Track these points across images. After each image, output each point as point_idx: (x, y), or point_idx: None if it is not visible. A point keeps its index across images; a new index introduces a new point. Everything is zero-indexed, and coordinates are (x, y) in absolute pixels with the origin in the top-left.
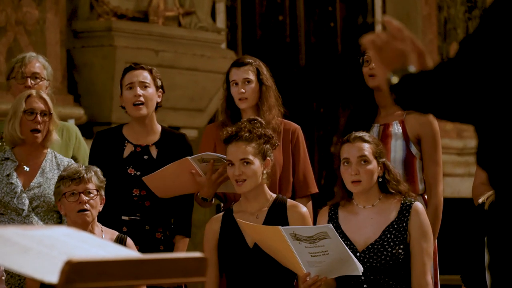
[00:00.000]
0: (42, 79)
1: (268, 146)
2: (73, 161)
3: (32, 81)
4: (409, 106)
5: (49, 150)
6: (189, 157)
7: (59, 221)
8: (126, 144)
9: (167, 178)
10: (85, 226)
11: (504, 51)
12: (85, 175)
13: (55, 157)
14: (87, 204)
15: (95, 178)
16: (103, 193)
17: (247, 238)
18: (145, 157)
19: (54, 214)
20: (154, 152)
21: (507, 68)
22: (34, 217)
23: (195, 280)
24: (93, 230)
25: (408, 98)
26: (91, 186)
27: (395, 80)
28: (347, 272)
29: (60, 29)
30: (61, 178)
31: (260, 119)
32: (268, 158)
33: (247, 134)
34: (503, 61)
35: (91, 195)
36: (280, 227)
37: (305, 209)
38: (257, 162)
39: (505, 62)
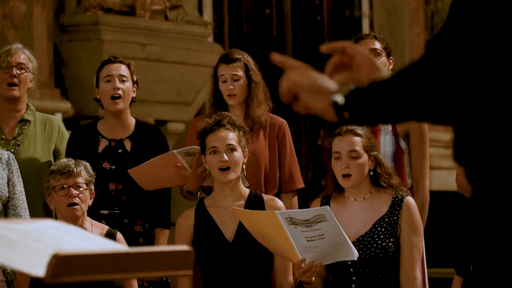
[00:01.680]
0: (27, 70)
1: (244, 139)
2: (11, 154)
3: (18, 71)
4: (368, 119)
5: None
6: (174, 151)
7: (5, 215)
8: (100, 139)
9: (152, 171)
10: (75, 220)
11: (473, 47)
12: (75, 169)
13: None
14: (76, 198)
15: (84, 172)
16: (92, 187)
17: (225, 232)
18: (120, 151)
19: (2, 210)
20: (128, 145)
21: (481, 64)
22: None
23: (181, 274)
24: (83, 224)
25: (367, 111)
26: (80, 180)
27: (341, 99)
28: (342, 257)
29: (47, 23)
30: (50, 173)
31: (231, 114)
32: (245, 150)
33: (229, 125)
34: (475, 58)
35: (81, 189)
36: (276, 211)
37: (281, 203)
38: (240, 151)
39: (478, 59)
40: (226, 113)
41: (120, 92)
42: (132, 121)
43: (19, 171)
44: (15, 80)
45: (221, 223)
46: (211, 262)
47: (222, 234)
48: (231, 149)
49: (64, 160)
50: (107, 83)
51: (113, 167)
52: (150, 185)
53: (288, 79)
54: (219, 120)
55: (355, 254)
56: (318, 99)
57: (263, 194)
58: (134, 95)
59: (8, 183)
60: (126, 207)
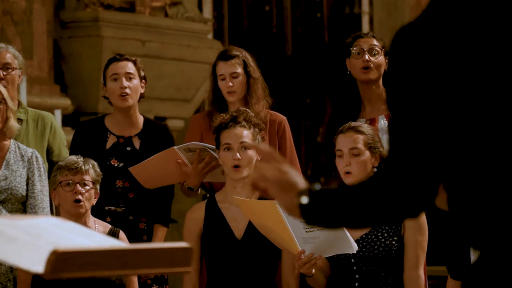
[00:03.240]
0: (14, 68)
1: (259, 136)
2: (35, 151)
3: (4, 72)
4: (330, 222)
5: (12, 141)
6: (175, 147)
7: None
8: (108, 135)
9: (153, 168)
10: (78, 217)
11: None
12: (83, 167)
13: (19, 148)
14: (81, 196)
15: (92, 171)
16: (98, 187)
17: (234, 230)
18: (128, 148)
19: (20, 206)
20: (137, 143)
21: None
22: (3, 210)
23: (181, 270)
24: (87, 222)
25: (330, 214)
26: (87, 178)
27: (305, 200)
28: (341, 250)
29: (47, 19)
30: (58, 168)
31: (249, 110)
32: None
33: (244, 122)
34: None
35: (87, 187)
36: (275, 201)
37: None
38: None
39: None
40: (243, 109)
41: (127, 90)
42: (140, 119)
43: (42, 170)
44: (3, 82)
45: (231, 220)
46: (218, 258)
47: (231, 231)
48: (245, 147)
49: (72, 157)
50: (114, 82)
51: (121, 164)
52: (151, 183)
53: (257, 171)
54: (235, 116)
55: (354, 247)
56: (285, 196)
57: None
58: (142, 91)
59: (27, 182)
60: (132, 204)
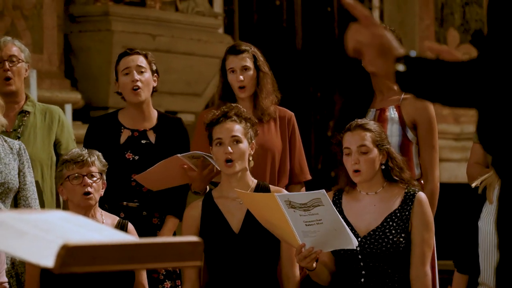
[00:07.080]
0: (20, 61)
1: (252, 131)
2: (22, 144)
3: (10, 64)
4: (424, 93)
5: None
6: (179, 155)
7: (14, 206)
8: (122, 130)
9: (159, 174)
10: (88, 210)
11: None
12: (89, 159)
13: (5, 141)
14: (90, 187)
15: (97, 161)
16: (104, 177)
17: (231, 223)
18: (143, 141)
19: (12, 200)
20: (152, 137)
21: None
22: (1, 204)
23: (191, 265)
24: (95, 215)
25: (424, 86)
26: (94, 169)
27: (401, 68)
28: (341, 245)
29: (57, 13)
30: (63, 162)
31: (240, 106)
32: (253, 141)
33: (235, 116)
34: None
35: (95, 178)
36: (275, 193)
37: None
38: (245, 143)
39: None
40: (234, 104)
41: (139, 83)
42: (154, 113)
43: (29, 161)
44: (9, 73)
45: (227, 214)
46: (217, 253)
47: (228, 225)
48: (236, 140)
49: (76, 150)
50: (126, 76)
51: (137, 157)
52: (158, 186)
53: (352, 38)
54: (226, 112)
55: (354, 243)
56: (382, 61)
57: (270, 185)
58: (155, 84)
59: (19, 174)
60: (146, 199)
